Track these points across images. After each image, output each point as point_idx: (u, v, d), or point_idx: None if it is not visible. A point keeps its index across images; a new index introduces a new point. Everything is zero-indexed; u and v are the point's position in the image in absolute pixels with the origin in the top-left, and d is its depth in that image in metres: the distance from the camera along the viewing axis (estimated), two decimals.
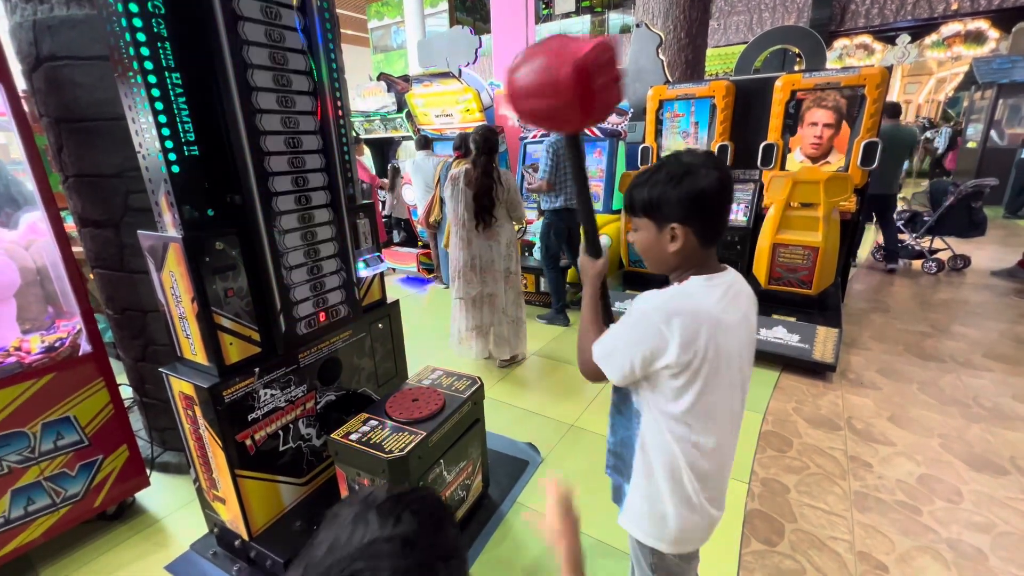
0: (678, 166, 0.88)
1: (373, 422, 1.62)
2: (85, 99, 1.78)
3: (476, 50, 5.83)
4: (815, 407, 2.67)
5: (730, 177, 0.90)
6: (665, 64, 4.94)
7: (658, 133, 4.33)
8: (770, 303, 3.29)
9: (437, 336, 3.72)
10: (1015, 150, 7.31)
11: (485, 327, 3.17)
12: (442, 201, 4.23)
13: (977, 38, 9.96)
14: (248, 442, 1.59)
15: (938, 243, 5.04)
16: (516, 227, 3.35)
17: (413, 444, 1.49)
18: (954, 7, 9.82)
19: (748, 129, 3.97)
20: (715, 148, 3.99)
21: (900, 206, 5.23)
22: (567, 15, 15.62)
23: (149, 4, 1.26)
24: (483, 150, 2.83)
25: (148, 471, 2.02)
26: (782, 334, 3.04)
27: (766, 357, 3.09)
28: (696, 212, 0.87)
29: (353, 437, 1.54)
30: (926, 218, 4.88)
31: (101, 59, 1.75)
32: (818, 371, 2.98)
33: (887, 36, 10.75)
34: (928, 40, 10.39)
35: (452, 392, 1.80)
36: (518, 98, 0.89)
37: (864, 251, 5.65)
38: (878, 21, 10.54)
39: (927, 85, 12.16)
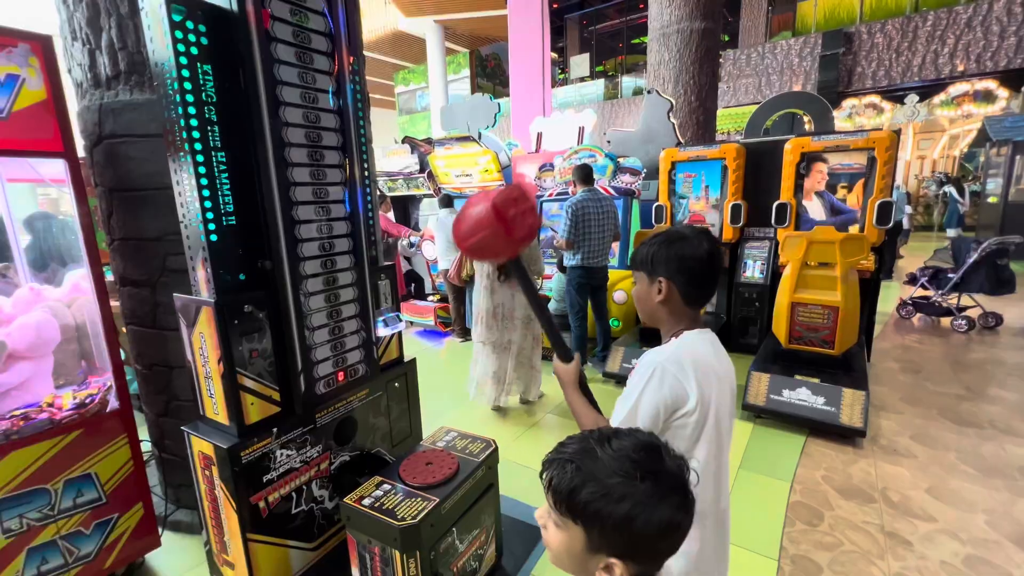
0: (675, 233, 1.04)
1: (386, 486, 1.60)
2: (137, 171, 1.94)
3: (495, 115, 6.20)
4: (846, 476, 2.54)
5: (719, 253, 1.04)
6: (676, 126, 5.14)
7: (671, 192, 4.44)
8: (792, 363, 3.21)
9: (453, 391, 3.70)
10: None
11: (501, 374, 3.28)
12: None
13: (987, 97, 10.15)
14: (261, 504, 1.58)
15: (966, 300, 4.91)
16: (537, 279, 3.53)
17: (426, 511, 1.47)
18: (960, 68, 10.08)
19: (760, 189, 4.05)
20: (728, 207, 4.07)
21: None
22: (582, 79, 16.54)
23: (203, 93, 1.41)
24: None
25: (160, 530, 2.00)
26: (806, 396, 2.95)
27: (790, 420, 2.98)
28: (680, 271, 1.01)
29: (366, 502, 1.52)
30: (950, 275, 4.79)
31: (155, 136, 1.92)
32: (847, 436, 2.85)
33: (895, 96, 11.04)
34: (937, 99, 10.62)
35: (466, 455, 1.77)
36: (462, 239, 1.07)
37: (888, 306, 5.53)
38: (885, 83, 10.86)
39: (940, 142, 12.29)
